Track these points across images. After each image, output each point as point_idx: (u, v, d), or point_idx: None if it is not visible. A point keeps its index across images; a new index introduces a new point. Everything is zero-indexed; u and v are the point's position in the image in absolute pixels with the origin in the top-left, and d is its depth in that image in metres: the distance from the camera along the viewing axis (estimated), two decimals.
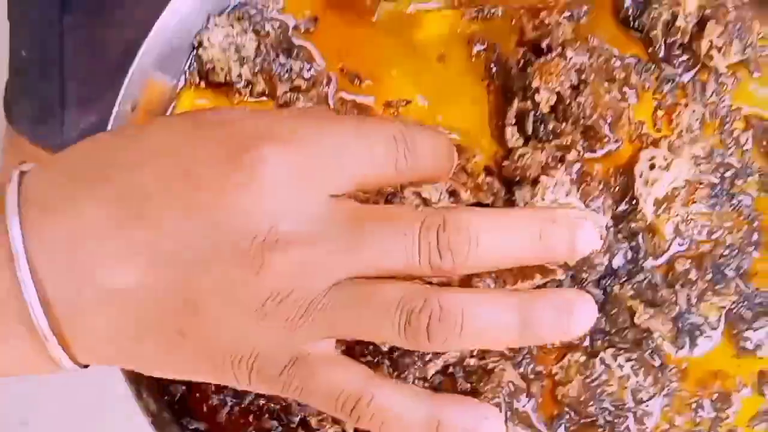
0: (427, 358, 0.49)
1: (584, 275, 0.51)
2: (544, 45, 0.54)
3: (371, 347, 0.51)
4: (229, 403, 0.52)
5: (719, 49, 0.52)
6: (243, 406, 0.52)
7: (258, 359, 0.40)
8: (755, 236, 0.52)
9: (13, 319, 0.39)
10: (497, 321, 0.40)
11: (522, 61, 0.54)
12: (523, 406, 0.50)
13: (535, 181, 0.51)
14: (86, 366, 0.42)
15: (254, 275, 0.38)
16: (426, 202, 0.51)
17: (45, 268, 0.39)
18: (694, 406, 0.50)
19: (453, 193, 0.51)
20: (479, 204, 0.51)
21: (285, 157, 0.39)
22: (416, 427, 0.40)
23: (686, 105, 0.53)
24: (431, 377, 0.49)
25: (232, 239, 0.39)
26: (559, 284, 0.50)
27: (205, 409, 0.52)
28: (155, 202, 0.39)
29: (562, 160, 0.52)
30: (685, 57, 0.54)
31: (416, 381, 0.49)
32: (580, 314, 0.40)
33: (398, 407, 0.40)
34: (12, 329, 0.40)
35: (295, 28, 0.56)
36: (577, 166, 0.52)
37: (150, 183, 0.40)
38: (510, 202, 0.52)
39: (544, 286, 0.50)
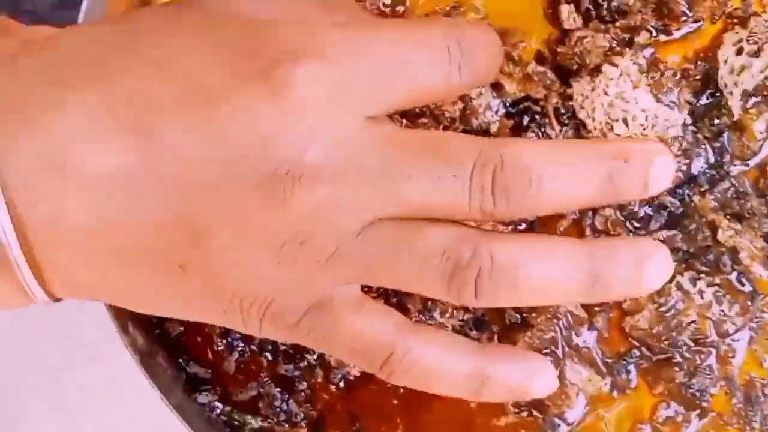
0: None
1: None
2: None
3: None
4: (239, 348, 0.49)
5: None
6: (254, 348, 0.49)
7: (272, 305, 0.37)
8: None
9: None
10: (560, 278, 0.37)
11: None
12: (584, 341, 0.47)
13: (596, 70, 0.45)
14: (59, 300, 0.39)
15: (274, 210, 0.35)
16: (463, 99, 0.46)
17: (23, 201, 0.35)
18: None
19: (496, 86, 0.46)
20: (527, 98, 0.46)
21: (320, 76, 0.35)
22: (458, 384, 0.38)
23: None
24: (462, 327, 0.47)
25: (251, 165, 0.35)
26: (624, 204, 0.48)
27: (209, 354, 0.50)
28: (158, 112, 0.35)
29: (629, 43, 0.46)
30: None
31: (456, 311, 0.46)
32: (655, 270, 0.38)
33: (437, 361, 0.38)
34: None
35: None
36: (648, 51, 0.46)
37: (153, 90, 0.36)
38: (565, 96, 0.46)
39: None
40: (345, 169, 0.36)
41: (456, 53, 0.38)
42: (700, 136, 0.46)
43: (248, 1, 0.40)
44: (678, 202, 0.47)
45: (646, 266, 0.37)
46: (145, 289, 0.38)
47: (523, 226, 0.48)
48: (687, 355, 0.46)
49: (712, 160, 0.47)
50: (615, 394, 0.47)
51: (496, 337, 0.48)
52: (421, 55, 0.38)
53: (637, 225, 0.48)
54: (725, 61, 0.47)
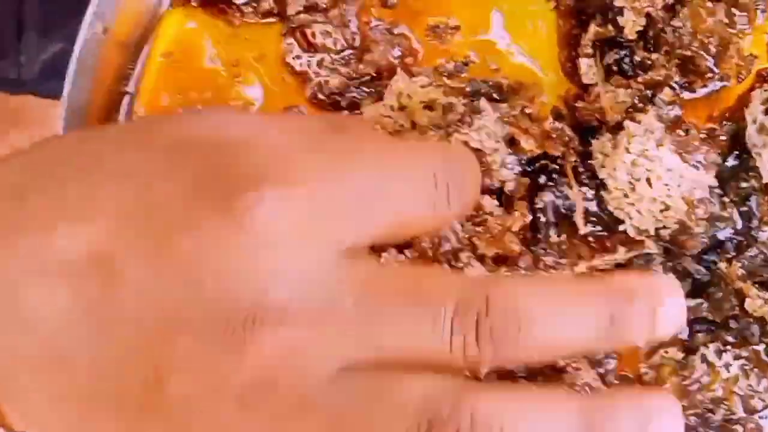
0: None
1: (684, 250, 0.45)
2: None
3: None
4: None
5: None
6: None
7: None
8: None
9: None
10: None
11: None
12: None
13: (617, 128, 0.44)
14: None
15: (234, 355, 0.33)
16: (477, 153, 0.43)
17: None
18: None
19: (512, 142, 0.44)
20: (545, 155, 0.44)
21: (287, 204, 0.33)
22: None
23: None
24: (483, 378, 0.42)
25: (211, 305, 0.33)
26: (650, 258, 0.44)
27: None
28: (119, 244, 0.34)
29: (652, 100, 0.45)
30: None
31: None
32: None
33: None
34: None
35: None
36: (673, 108, 0.45)
37: (109, 220, 0.34)
38: (585, 155, 0.44)
39: (629, 261, 0.44)
40: (314, 310, 0.33)
41: (442, 182, 0.37)
42: (726, 199, 0.45)
43: (221, 119, 0.39)
44: (704, 269, 0.45)
45: (649, 429, 0.35)
46: (103, 429, 0.36)
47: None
48: (712, 431, 0.44)
49: (739, 225, 0.45)
50: None
51: None
52: (405, 182, 0.37)
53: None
54: (754, 121, 0.45)
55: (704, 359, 0.44)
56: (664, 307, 0.36)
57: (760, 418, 0.43)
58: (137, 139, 0.38)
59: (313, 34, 0.50)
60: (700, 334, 0.45)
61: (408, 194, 0.37)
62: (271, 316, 0.32)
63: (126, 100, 0.51)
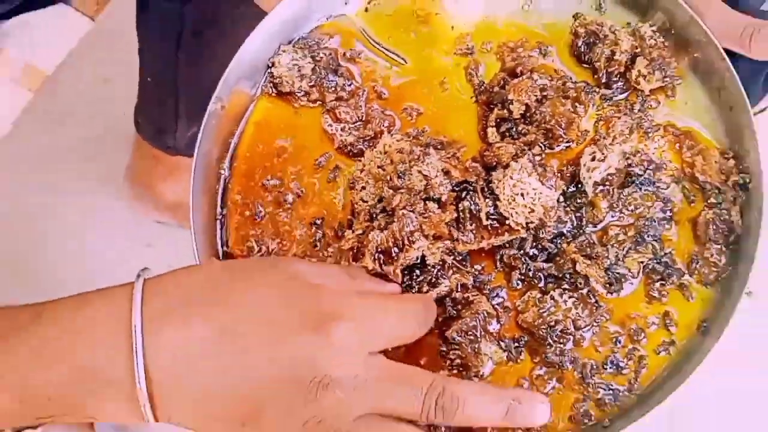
0: (425, 289, 0.56)
1: (542, 235, 0.57)
2: (518, 70, 0.59)
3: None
4: None
5: (645, 77, 0.58)
6: None
7: None
8: (667, 213, 0.57)
9: (125, 398, 0.44)
10: None
11: (502, 82, 0.58)
12: (493, 328, 0.56)
13: (506, 166, 0.56)
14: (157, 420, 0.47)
15: (307, 401, 0.45)
16: (426, 178, 0.56)
17: (156, 369, 0.44)
18: (614, 339, 0.56)
19: (447, 173, 0.57)
20: (465, 181, 0.56)
21: (349, 331, 0.46)
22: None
23: (619, 117, 0.58)
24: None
25: (301, 374, 0.44)
26: (523, 240, 0.56)
27: None
28: (245, 339, 0.45)
29: (527, 152, 0.57)
30: (620, 83, 0.59)
31: None
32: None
33: None
34: (122, 405, 0.45)
35: (343, 54, 0.61)
36: (538, 158, 0.57)
37: (247, 325, 0.45)
38: (488, 181, 0.57)
39: (510, 243, 0.55)
40: (352, 384, 0.45)
41: (423, 314, 0.51)
42: (568, 209, 0.57)
43: (303, 266, 0.50)
44: (553, 246, 0.57)
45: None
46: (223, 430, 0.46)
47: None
48: (555, 339, 0.55)
49: (575, 223, 0.57)
50: (509, 360, 0.56)
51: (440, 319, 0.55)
52: (404, 318, 0.50)
53: (530, 258, 0.57)
54: (584, 165, 0.57)
55: (552, 298, 0.56)
56: (537, 409, 0.48)
57: (583, 331, 0.56)
58: (251, 277, 0.48)
59: (339, 113, 0.60)
60: (550, 284, 0.57)
61: (406, 324, 0.50)
62: (330, 385, 0.44)
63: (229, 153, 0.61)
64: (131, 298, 0.45)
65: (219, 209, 0.60)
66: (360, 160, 0.60)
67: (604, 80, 0.60)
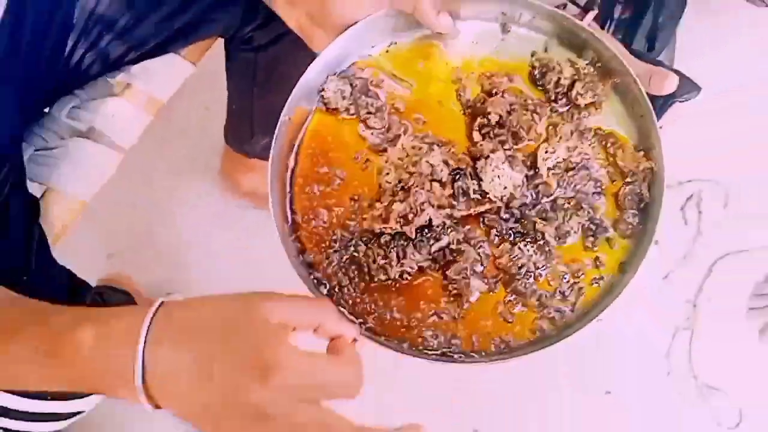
0: (431, 242, 0.53)
1: (512, 204, 0.54)
2: (493, 92, 0.57)
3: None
4: None
5: (581, 96, 0.55)
6: None
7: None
8: (598, 188, 0.55)
9: (129, 388, 0.41)
10: None
11: (482, 100, 0.56)
12: (479, 269, 0.54)
13: (487, 157, 0.54)
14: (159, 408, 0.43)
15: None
16: (432, 166, 0.53)
17: (150, 375, 0.41)
18: (561, 276, 0.53)
19: (446, 162, 0.54)
20: (459, 168, 0.54)
21: (287, 381, 0.40)
22: None
23: (564, 123, 0.55)
24: (433, 253, 0.53)
25: (241, 400, 0.40)
26: (499, 208, 0.54)
27: None
28: (213, 370, 0.41)
29: (500, 147, 0.55)
30: (564, 100, 0.57)
31: (423, 253, 0.52)
32: None
33: None
34: (127, 390, 0.42)
35: (371, 82, 0.58)
36: (509, 152, 0.55)
37: (214, 359, 0.41)
38: (474, 167, 0.54)
39: (490, 210, 0.53)
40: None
41: (351, 383, 0.42)
42: (529, 185, 0.55)
43: (270, 306, 0.43)
44: (520, 213, 0.55)
45: None
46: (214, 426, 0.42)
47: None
48: (521, 275, 0.53)
49: (534, 196, 0.55)
50: (489, 291, 0.53)
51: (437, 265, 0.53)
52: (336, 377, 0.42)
53: (504, 221, 0.54)
54: (540, 156, 0.55)
55: (519, 248, 0.54)
56: None
57: (540, 270, 0.53)
58: (230, 321, 0.42)
59: (369, 122, 0.58)
60: (517, 239, 0.54)
61: (339, 383, 0.42)
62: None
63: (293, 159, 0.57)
64: (144, 319, 0.42)
65: (288, 189, 0.57)
66: (385, 155, 0.58)
67: (553, 98, 0.57)
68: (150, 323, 0.41)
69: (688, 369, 1.11)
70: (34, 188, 0.62)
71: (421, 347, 0.51)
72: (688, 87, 0.56)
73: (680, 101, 0.56)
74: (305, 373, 0.40)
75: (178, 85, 0.71)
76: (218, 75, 0.85)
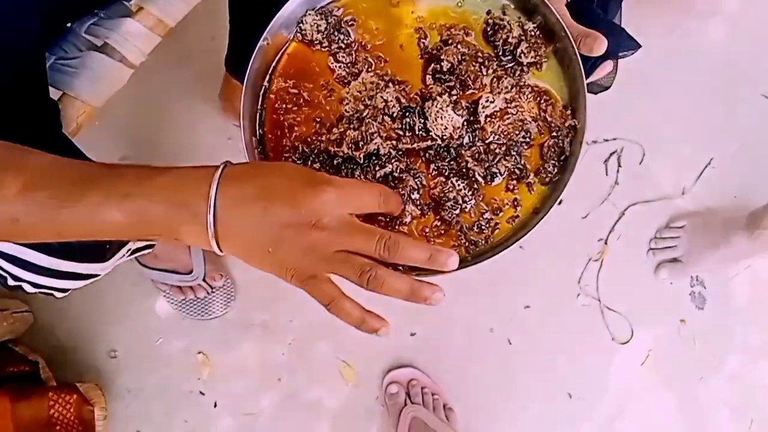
0: (377, 168, 0.55)
1: (451, 144, 0.57)
2: (449, 42, 0.59)
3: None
4: None
5: (525, 54, 0.58)
6: None
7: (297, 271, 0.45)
8: (527, 138, 0.58)
9: (202, 228, 0.44)
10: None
11: (438, 47, 0.59)
12: (414, 197, 0.56)
13: (434, 99, 0.56)
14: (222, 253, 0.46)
15: (305, 236, 0.44)
16: (385, 101, 0.57)
17: (221, 210, 0.44)
18: (483, 212, 0.56)
19: (398, 99, 0.57)
20: (409, 107, 0.56)
21: (333, 194, 0.45)
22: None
23: (506, 77, 0.58)
24: (378, 178, 0.55)
25: (301, 220, 0.44)
26: (439, 146, 0.56)
27: None
28: (277, 197, 0.44)
29: (447, 92, 0.57)
30: (510, 56, 0.59)
31: (369, 177, 0.54)
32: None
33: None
34: (199, 230, 0.44)
35: (344, 21, 0.60)
36: (454, 97, 0.57)
37: (279, 189, 0.45)
38: (423, 107, 0.56)
39: (431, 146, 0.55)
40: (333, 229, 0.45)
41: (383, 197, 0.48)
42: (468, 129, 0.57)
43: (295, 170, 0.47)
44: (455, 151, 0.57)
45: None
46: (260, 259, 0.46)
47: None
48: (451, 205, 0.55)
49: (470, 138, 0.57)
50: (421, 216, 0.56)
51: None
52: (368, 198, 0.48)
53: (443, 156, 0.57)
54: (481, 104, 0.57)
55: (451, 182, 0.56)
56: (449, 257, 0.46)
57: (466, 204, 0.55)
58: (287, 168, 0.46)
59: (338, 56, 0.60)
60: (451, 174, 0.57)
61: (371, 201, 0.48)
62: (320, 226, 0.44)
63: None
64: (217, 170, 0.45)
65: (259, 104, 0.60)
66: (348, 87, 0.60)
67: (500, 54, 0.60)
68: (224, 168, 0.45)
69: (594, 293, 1.28)
70: (52, 92, 0.67)
71: None
72: (628, 43, 0.59)
73: (620, 57, 0.60)
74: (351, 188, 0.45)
75: (186, 11, 0.74)
76: (226, 8, 0.86)
